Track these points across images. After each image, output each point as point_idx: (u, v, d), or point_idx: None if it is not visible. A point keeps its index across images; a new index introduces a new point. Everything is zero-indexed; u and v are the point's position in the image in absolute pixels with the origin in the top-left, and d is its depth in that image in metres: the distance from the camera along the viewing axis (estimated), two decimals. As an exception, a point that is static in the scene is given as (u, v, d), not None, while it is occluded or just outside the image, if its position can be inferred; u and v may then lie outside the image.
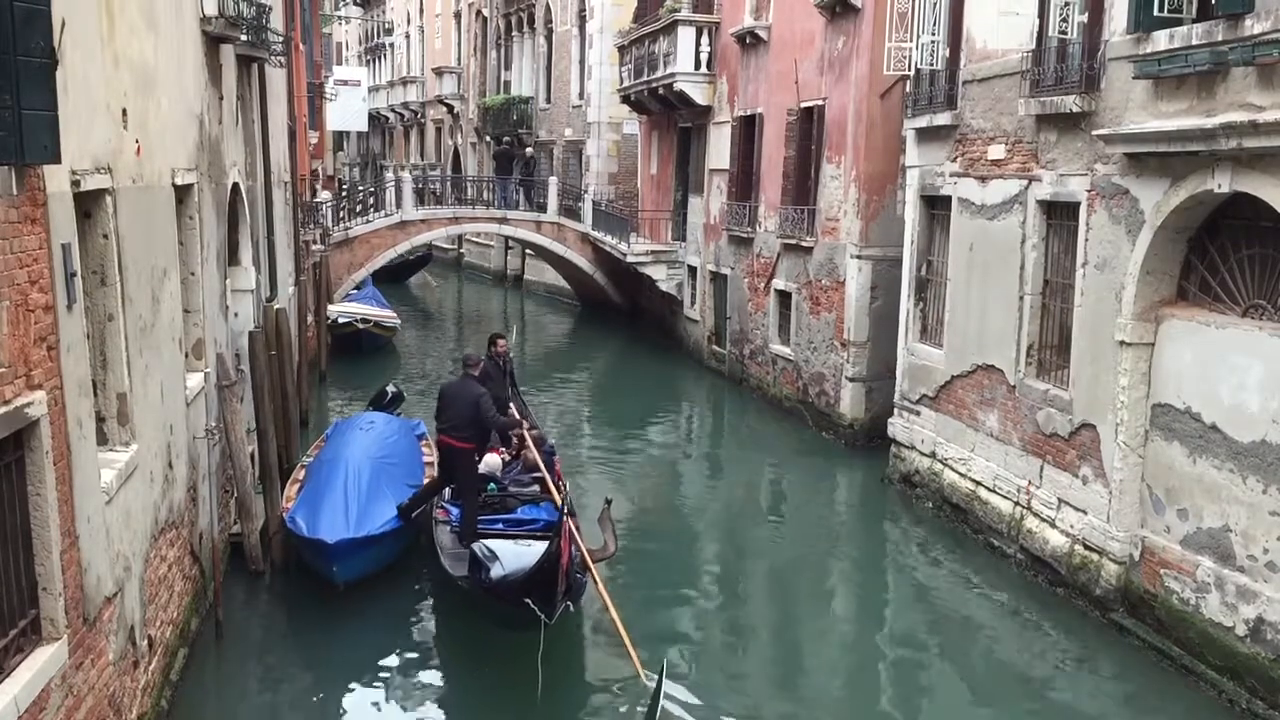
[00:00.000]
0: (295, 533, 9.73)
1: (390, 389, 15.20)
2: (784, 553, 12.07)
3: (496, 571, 7.96)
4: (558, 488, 10.33)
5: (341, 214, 24.93)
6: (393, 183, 26.28)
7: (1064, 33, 10.06)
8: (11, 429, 4.82)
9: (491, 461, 10.86)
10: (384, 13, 50.60)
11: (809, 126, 16.74)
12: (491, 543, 8.49)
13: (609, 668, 8.58)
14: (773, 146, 18.09)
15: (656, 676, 7.53)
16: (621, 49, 24.30)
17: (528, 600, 7.64)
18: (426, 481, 10.78)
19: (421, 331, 27.39)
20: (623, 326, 26.16)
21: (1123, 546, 9.41)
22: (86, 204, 6.16)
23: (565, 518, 7.69)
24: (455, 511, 10.05)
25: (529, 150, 31.04)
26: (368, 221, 25.02)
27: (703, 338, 21.80)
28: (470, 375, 10.39)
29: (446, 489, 10.48)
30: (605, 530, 8.76)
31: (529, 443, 11.00)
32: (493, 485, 10.59)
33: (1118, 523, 9.46)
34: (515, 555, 8.08)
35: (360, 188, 33.15)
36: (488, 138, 35.09)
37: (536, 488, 10.61)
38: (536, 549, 8.06)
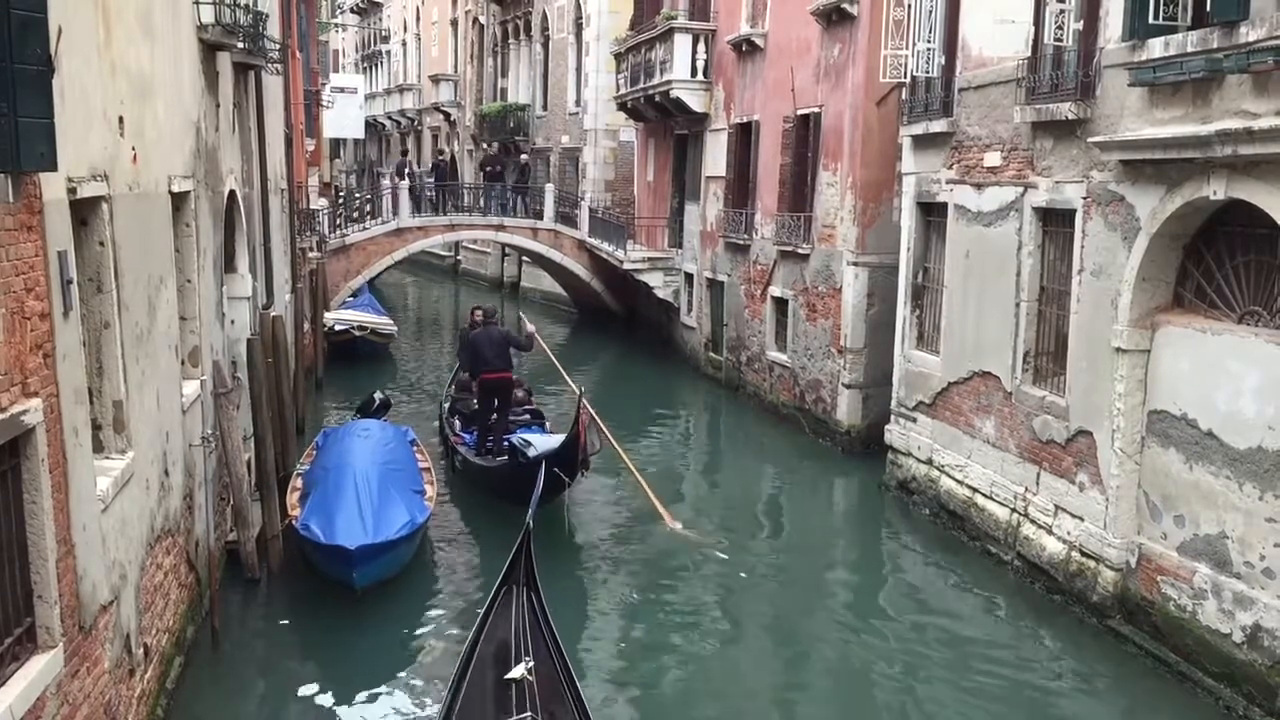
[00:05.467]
0: (311, 540, 9.77)
1: (378, 396, 15.28)
2: (780, 559, 12.07)
3: (533, 452, 11.42)
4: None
5: (339, 221, 24.91)
6: (389, 189, 26.24)
7: (1059, 40, 10.10)
8: (7, 437, 4.81)
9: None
10: (381, 20, 50.64)
11: (805, 134, 16.76)
12: (525, 435, 12.41)
13: (628, 515, 12.83)
14: (769, 154, 18.10)
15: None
16: (618, 56, 24.33)
17: (556, 470, 10.83)
18: (475, 409, 13.96)
19: (415, 337, 27.33)
20: (619, 333, 26.13)
21: (1119, 553, 9.41)
22: (83, 211, 6.15)
23: (581, 410, 11.05)
24: (468, 437, 13.86)
25: (524, 157, 30.95)
26: (364, 229, 25.02)
27: (699, 345, 21.79)
28: (491, 322, 13.55)
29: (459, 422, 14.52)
30: (592, 432, 11.42)
31: (538, 340, 14.72)
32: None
33: (1114, 529, 9.46)
34: (544, 441, 11.92)
35: (357, 195, 33.13)
36: (484, 145, 35.08)
37: (527, 416, 14.51)
38: (557, 437, 11.82)
